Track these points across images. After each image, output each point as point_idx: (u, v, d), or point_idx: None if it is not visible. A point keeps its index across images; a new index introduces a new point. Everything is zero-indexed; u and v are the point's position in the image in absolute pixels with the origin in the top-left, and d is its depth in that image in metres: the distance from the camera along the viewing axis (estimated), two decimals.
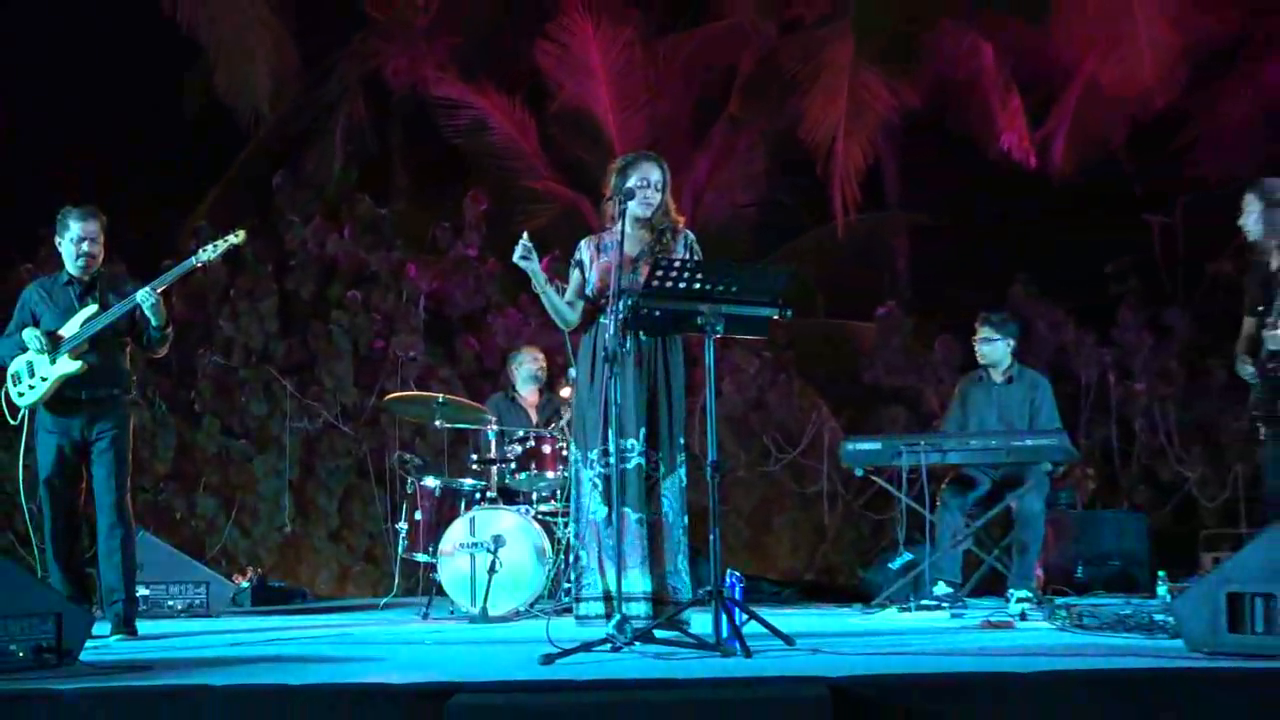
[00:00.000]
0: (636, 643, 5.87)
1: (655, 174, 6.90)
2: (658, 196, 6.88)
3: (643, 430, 6.74)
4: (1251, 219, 7.29)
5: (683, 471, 6.88)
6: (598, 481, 6.79)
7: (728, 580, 6.08)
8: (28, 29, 13.88)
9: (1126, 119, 14.70)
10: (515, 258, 6.78)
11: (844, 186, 13.89)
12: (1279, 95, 14.83)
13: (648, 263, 6.63)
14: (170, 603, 9.73)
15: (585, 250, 7.02)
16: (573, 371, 7.39)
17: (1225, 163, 14.96)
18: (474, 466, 9.32)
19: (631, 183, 6.74)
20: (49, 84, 14.03)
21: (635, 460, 6.71)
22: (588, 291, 6.97)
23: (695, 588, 6.74)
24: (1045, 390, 9.47)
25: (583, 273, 6.99)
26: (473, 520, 8.70)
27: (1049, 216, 14.74)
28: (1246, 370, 7.35)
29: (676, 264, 6.18)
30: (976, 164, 14.87)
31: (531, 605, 8.68)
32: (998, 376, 9.47)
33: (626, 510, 6.66)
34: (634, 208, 6.70)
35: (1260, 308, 7.27)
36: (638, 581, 6.68)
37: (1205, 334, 13.22)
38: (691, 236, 7.00)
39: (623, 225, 6.54)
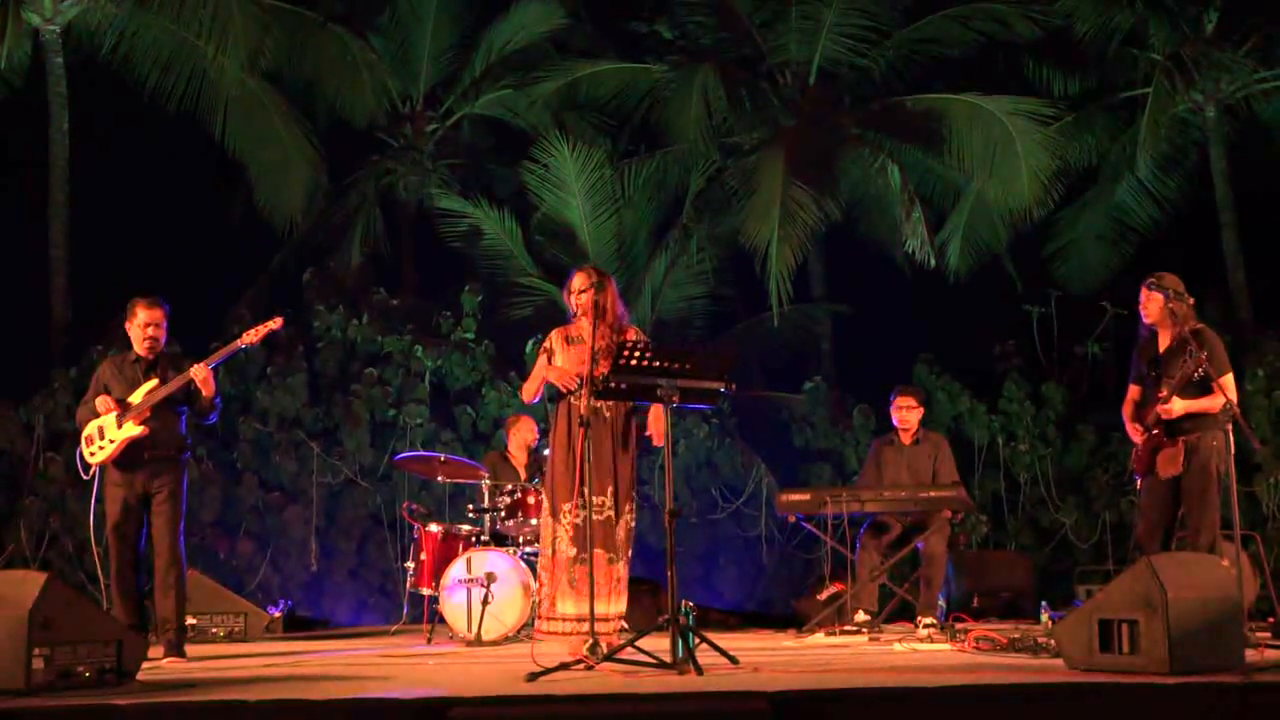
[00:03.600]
0: (607, 662, 5.83)
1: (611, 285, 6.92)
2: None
3: (610, 487, 6.72)
4: (1152, 307, 7.31)
5: (631, 519, 6.84)
6: (569, 528, 6.71)
7: (683, 610, 6.03)
8: (103, 153, 13.92)
9: (1009, 228, 14.88)
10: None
11: (778, 282, 13.94)
12: (1127, 212, 15.10)
13: (608, 355, 6.61)
14: (214, 630, 9.63)
15: (555, 340, 6.99)
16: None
17: (1086, 265, 15.24)
18: (470, 515, 9.25)
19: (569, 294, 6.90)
20: (119, 197, 14.03)
21: (606, 513, 6.68)
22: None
23: (656, 616, 6.70)
24: (946, 450, 9.47)
25: (550, 359, 6.95)
26: (469, 560, 8.63)
27: (946, 307, 14.86)
28: (1134, 431, 7.36)
29: (641, 346, 6.17)
30: (886, 263, 14.99)
31: (518, 631, 8.60)
32: (907, 439, 9.46)
33: (599, 551, 6.63)
34: (575, 308, 6.86)
35: (1147, 381, 7.31)
36: (609, 607, 6.65)
37: (1076, 403, 13.32)
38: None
39: (595, 324, 6.63)
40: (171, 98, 13.93)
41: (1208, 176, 14.73)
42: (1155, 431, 7.18)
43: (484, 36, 15.58)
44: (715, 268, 15.05)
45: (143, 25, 13.78)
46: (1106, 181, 15.21)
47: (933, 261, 14.29)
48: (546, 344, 7.02)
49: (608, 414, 6.79)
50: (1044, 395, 13.26)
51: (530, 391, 7.05)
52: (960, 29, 14.95)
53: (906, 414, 9.39)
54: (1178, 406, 7.06)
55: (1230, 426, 7.03)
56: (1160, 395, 7.12)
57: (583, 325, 6.84)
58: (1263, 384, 12.28)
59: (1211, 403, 7.07)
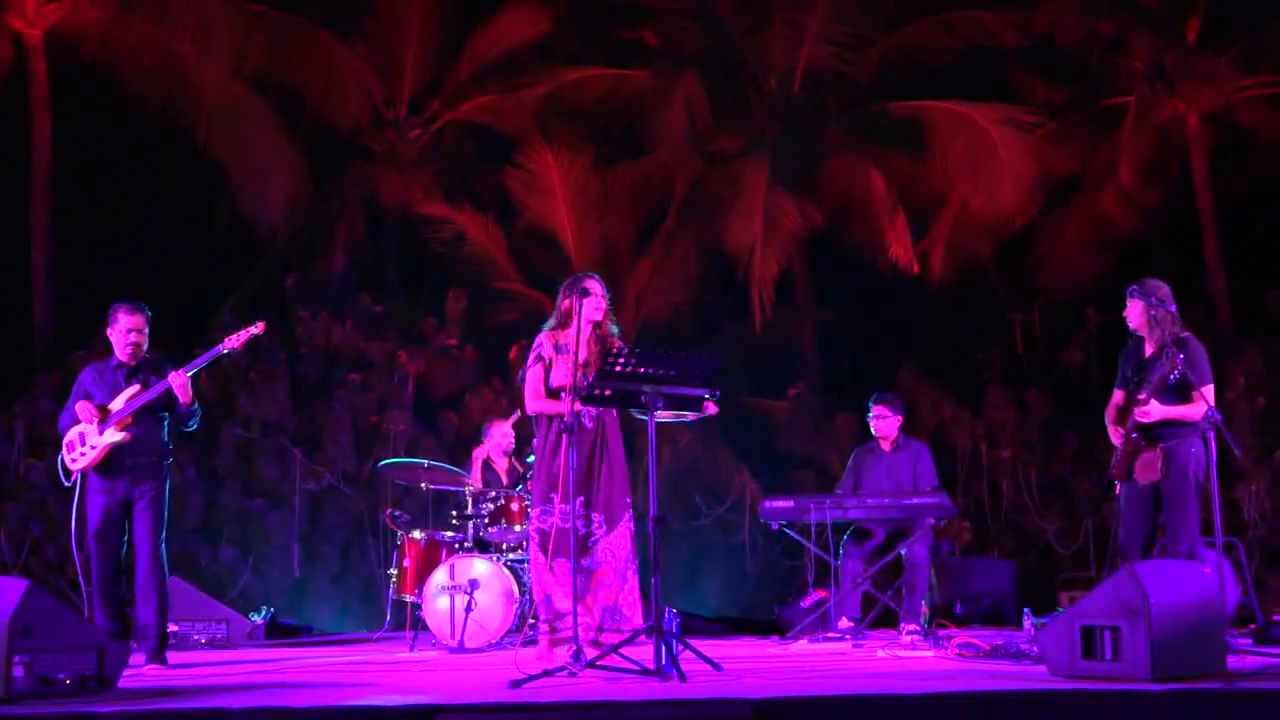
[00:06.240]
0: (590, 669, 5.83)
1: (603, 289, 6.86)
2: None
3: (581, 497, 6.69)
4: (1135, 313, 7.34)
5: (627, 528, 6.78)
6: (536, 534, 6.72)
7: (666, 616, 6.02)
8: (85, 158, 13.88)
9: (991, 235, 14.93)
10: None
11: (761, 288, 13.97)
12: (1110, 220, 15.16)
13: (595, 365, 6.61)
14: (196, 637, 9.59)
15: (547, 347, 6.90)
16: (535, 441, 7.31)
17: (1068, 272, 15.29)
18: (454, 521, 9.23)
19: (588, 295, 6.73)
20: (101, 202, 13.99)
21: (573, 521, 6.64)
22: (553, 384, 6.84)
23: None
24: (926, 457, 9.46)
25: (545, 369, 6.87)
26: (452, 567, 8.61)
27: (929, 314, 14.90)
28: (1116, 435, 7.38)
29: (625, 351, 6.16)
30: (869, 270, 15.02)
31: (502, 638, 8.58)
32: (887, 446, 9.46)
33: (562, 560, 6.62)
34: (589, 312, 6.69)
35: (1130, 386, 7.33)
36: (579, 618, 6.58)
37: (1059, 410, 13.36)
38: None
39: (578, 330, 6.59)
40: (154, 102, 13.89)
41: (1190, 184, 14.79)
42: (1134, 436, 7.21)
43: (468, 42, 15.58)
44: (699, 274, 15.07)
45: (125, 30, 13.76)
46: (1089, 189, 15.27)
47: (916, 268, 14.32)
48: (540, 352, 6.91)
49: (589, 424, 6.78)
50: (1027, 402, 13.30)
51: (537, 409, 6.97)
52: (944, 36, 15.01)
53: (883, 422, 9.40)
54: (1155, 410, 7.09)
55: (1211, 434, 7.04)
56: (1139, 399, 7.15)
57: (569, 334, 6.76)
58: (1244, 391, 12.33)
59: (1190, 410, 7.09)
